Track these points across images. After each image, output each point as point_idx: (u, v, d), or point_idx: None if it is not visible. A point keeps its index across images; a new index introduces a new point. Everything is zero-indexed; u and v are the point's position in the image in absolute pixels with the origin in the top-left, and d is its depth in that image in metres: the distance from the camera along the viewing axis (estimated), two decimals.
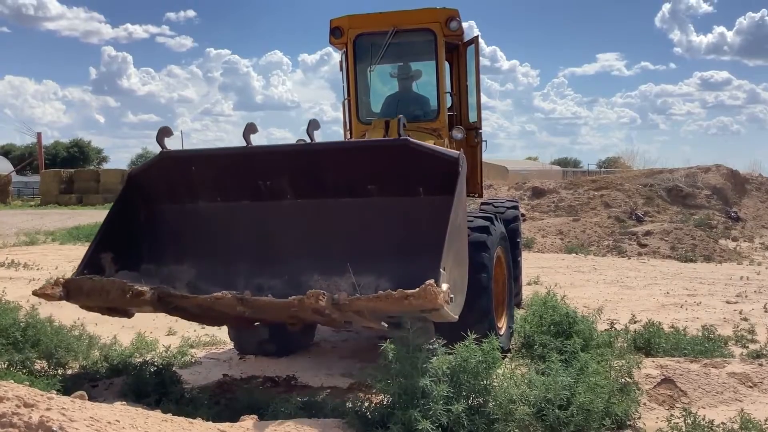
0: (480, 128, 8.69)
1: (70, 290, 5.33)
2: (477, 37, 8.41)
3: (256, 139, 5.73)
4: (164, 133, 5.95)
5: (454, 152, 5.48)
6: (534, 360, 6.17)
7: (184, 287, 5.87)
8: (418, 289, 4.28)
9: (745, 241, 20.55)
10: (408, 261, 5.38)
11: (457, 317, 4.67)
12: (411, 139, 5.45)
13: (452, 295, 4.50)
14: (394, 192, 5.59)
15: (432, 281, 4.29)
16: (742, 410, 4.85)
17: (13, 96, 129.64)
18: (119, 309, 5.56)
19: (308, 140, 5.67)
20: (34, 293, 5.44)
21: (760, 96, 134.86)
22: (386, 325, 4.72)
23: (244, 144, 5.72)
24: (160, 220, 6.12)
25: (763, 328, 8.40)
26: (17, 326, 5.96)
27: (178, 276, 5.99)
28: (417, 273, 5.12)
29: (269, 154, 5.96)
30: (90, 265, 5.63)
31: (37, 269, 13.68)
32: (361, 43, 8.14)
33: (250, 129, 5.76)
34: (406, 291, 4.35)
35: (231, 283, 5.82)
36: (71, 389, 4.81)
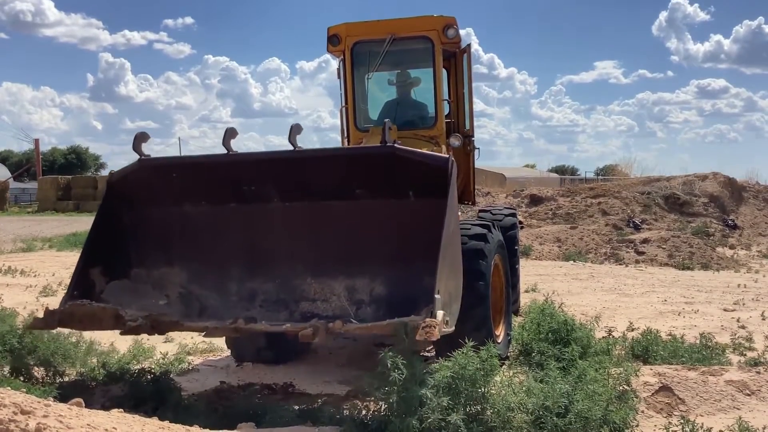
0: (473, 136, 8.70)
1: (62, 318, 5.38)
2: (469, 45, 8.44)
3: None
4: (141, 139, 5.78)
5: (442, 157, 5.40)
6: (532, 368, 6.16)
7: (176, 296, 5.85)
8: (414, 320, 4.37)
9: (742, 248, 20.56)
10: (401, 262, 5.37)
11: (453, 329, 4.70)
12: (398, 146, 5.36)
13: (448, 318, 4.56)
14: (383, 195, 5.51)
15: (429, 320, 4.32)
16: (740, 418, 4.85)
17: (11, 102, 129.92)
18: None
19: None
20: (27, 329, 5.63)
21: (758, 104, 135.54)
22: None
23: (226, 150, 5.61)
24: (146, 224, 5.99)
25: (761, 336, 8.40)
26: (14, 333, 5.94)
27: (169, 279, 5.94)
28: (411, 275, 5.12)
29: (252, 162, 5.84)
30: (80, 284, 5.59)
31: (35, 276, 13.66)
32: (358, 51, 8.16)
33: (230, 134, 5.61)
34: (402, 321, 4.43)
35: (223, 287, 5.82)
36: (68, 396, 4.79)
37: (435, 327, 4.29)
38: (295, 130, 5.48)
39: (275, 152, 5.91)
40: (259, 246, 5.87)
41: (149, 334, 5.43)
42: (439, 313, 4.41)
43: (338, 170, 5.59)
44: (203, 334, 5.42)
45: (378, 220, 5.53)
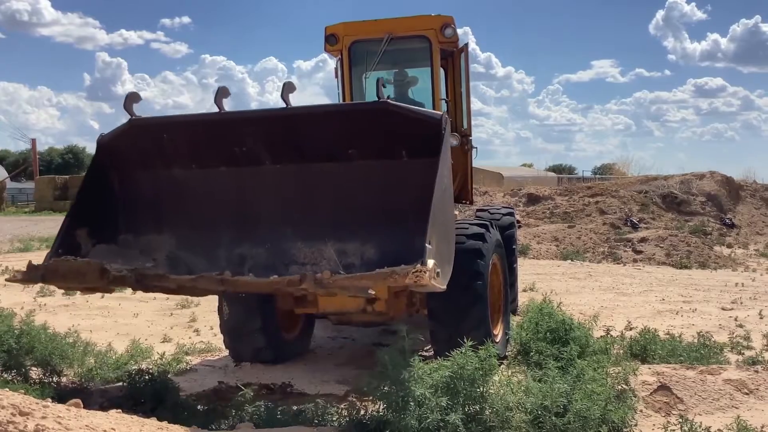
0: (470, 135, 8.69)
1: (45, 274, 5.25)
2: (466, 44, 8.43)
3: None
4: (132, 98, 5.66)
5: (436, 113, 5.34)
6: (530, 367, 6.16)
7: (164, 259, 5.78)
8: (404, 269, 4.26)
9: (739, 247, 20.58)
10: (392, 225, 5.30)
11: (444, 287, 4.59)
12: (392, 102, 5.29)
13: (438, 270, 4.44)
14: (375, 155, 5.42)
15: (419, 266, 4.23)
16: (739, 417, 4.85)
17: (8, 102, 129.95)
18: (99, 287, 5.47)
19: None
20: (9, 281, 5.42)
21: (755, 103, 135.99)
22: (372, 292, 4.57)
23: (217, 110, 5.49)
24: (136, 188, 5.89)
25: (759, 335, 8.41)
26: (12, 333, 5.93)
27: (157, 246, 5.84)
28: (402, 238, 5.02)
29: (244, 120, 5.73)
30: (65, 243, 5.48)
31: None
32: (356, 50, 8.14)
33: (222, 93, 5.50)
34: (391, 269, 4.32)
35: (212, 253, 5.72)
36: (66, 397, 4.79)
37: (425, 272, 4.21)
38: (288, 87, 5.38)
39: (268, 110, 5.81)
40: (249, 210, 5.77)
41: (134, 288, 5.28)
42: (430, 261, 4.31)
43: (331, 128, 5.48)
44: (190, 286, 5.16)
45: (370, 181, 5.46)
